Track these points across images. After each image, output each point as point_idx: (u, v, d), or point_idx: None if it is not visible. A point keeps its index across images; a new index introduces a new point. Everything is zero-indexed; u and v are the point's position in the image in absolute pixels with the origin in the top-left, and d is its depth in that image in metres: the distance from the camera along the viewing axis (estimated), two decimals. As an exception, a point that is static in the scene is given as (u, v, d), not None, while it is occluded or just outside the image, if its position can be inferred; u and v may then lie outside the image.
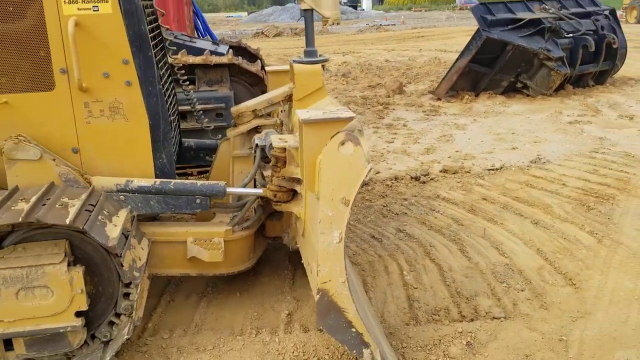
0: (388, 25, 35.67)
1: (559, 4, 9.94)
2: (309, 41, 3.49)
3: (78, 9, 2.74)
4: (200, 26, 12.26)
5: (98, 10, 2.77)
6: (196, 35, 11.84)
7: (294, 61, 3.48)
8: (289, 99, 3.56)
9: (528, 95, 9.11)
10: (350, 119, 2.49)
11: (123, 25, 2.81)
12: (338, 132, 2.39)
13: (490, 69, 9.10)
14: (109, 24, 2.79)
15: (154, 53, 3.05)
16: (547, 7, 9.63)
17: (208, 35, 11.71)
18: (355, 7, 63.92)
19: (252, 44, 7.53)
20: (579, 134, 6.89)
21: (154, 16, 3.44)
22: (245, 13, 68.48)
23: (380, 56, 16.46)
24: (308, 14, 3.49)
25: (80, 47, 2.73)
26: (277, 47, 21.58)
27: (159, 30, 3.53)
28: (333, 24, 3.53)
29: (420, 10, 62.03)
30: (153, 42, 3.13)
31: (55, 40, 2.74)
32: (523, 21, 8.95)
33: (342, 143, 2.36)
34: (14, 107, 2.78)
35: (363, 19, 47.24)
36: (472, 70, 9.08)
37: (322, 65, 3.51)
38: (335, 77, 12.24)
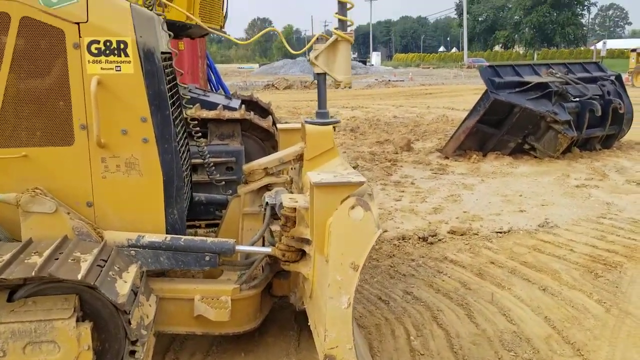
0: (397, 81, 36.40)
1: (566, 69, 10.16)
2: (322, 103, 3.57)
3: (101, 68, 2.84)
4: (214, 79, 12.56)
5: (120, 70, 2.87)
6: (209, 88, 12.12)
7: (306, 122, 3.55)
8: (299, 158, 3.62)
9: (535, 157, 9.18)
10: (361, 183, 2.54)
11: (143, 85, 2.91)
12: (348, 197, 2.43)
13: (498, 130, 9.22)
14: (130, 84, 2.89)
15: (171, 111, 3.14)
16: (554, 71, 9.84)
17: (221, 88, 11.98)
18: (364, 63, 65.38)
19: (263, 96, 7.71)
20: (587, 198, 6.91)
21: (172, 75, 3.55)
22: (257, 65, 70.19)
23: (388, 112, 16.72)
24: (321, 77, 3.58)
25: (100, 104, 2.81)
26: (287, 100, 21.98)
27: (176, 89, 3.64)
28: (345, 87, 3.62)
29: (429, 68, 63.34)
30: (171, 100, 3.22)
31: (77, 97, 2.83)
32: (530, 84, 9.13)
33: (352, 207, 2.40)
34: (32, 161, 2.84)
35: (372, 74, 48.22)
36: (480, 130, 9.21)
37: (334, 127, 3.59)
38: (343, 132, 12.41)
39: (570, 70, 10.12)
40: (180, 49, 10.48)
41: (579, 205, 6.64)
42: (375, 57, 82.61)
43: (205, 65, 12.52)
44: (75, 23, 2.78)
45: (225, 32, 4.84)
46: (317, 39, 3.62)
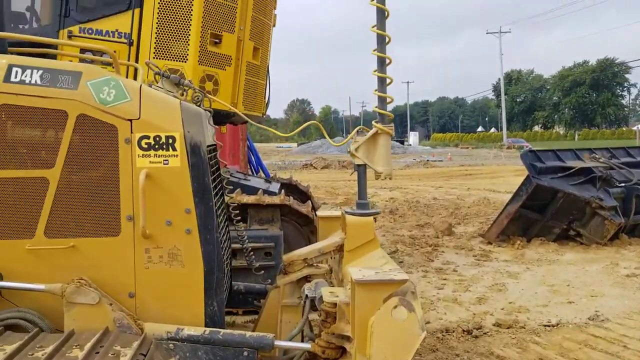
0: (435, 161, 36.49)
1: (609, 153, 10.01)
2: (362, 194, 3.57)
3: (150, 162, 2.94)
4: (254, 160, 12.86)
5: (168, 164, 2.96)
6: (249, 169, 12.40)
7: (346, 212, 3.55)
8: (340, 249, 3.60)
9: (582, 244, 8.90)
10: (404, 281, 2.48)
11: (189, 178, 2.98)
12: (391, 296, 2.37)
13: (542, 215, 9.03)
14: (176, 176, 2.96)
15: (215, 202, 3.19)
16: (597, 156, 9.71)
17: (261, 170, 12.23)
18: (402, 142, 66.11)
19: (301, 176, 7.83)
20: (638, 289, 6.59)
21: (216, 166, 3.64)
22: (295, 144, 71.76)
23: (428, 193, 16.65)
24: (361, 169, 3.61)
25: (147, 196, 2.88)
26: (325, 180, 22.21)
27: (220, 178, 3.72)
28: (385, 178, 3.63)
29: (467, 148, 63.48)
30: (214, 191, 3.28)
31: (125, 189, 2.91)
32: (573, 169, 9.00)
33: (395, 307, 2.34)
34: (79, 251, 2.90)
35: (410, 154, 48.59)
36: (523, 215, 9.03)
37: (374, 218, 3.57)
38: (382, 214, 12.37)
39: (614, 155, 9.97)
40: (223, 132, 10.84)
41: (630, 296, 6.33)
42: (413, 137, 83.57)
43: (246, 147, 12.89)
44: (128, 120, 2.91)
45: (268, 127, 4.98)
46: (357, 131, 3.69)
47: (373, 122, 3.58)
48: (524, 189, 8.87)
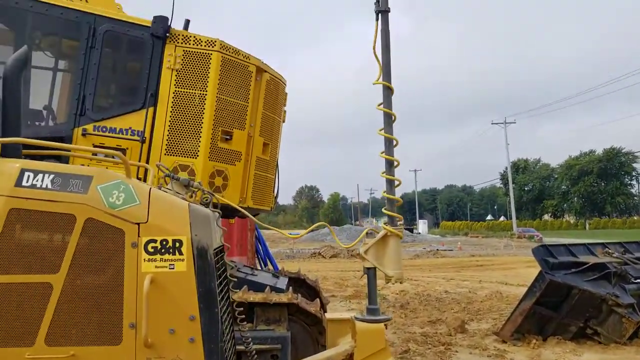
0: (445, 250, 36.10)
1: (622, 248, 9.84)
2: (372, 299, 3.48)
3: (156, 266, 2.89)
4: (262, 251, 12.76)
5: (174, 269, 2.91)
6: (257, 261, 12.26)
7: (356, 318, 3.44)
8: (349, 357, 3.46)
9: (600, 343, 8.55)
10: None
11: (195, 283, 2.92)
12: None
13: (557, 312, 8.75)
14: (181, 282, 2.90)
15: (220, 308, 3.10)
16: (610, 250, 9.55)
17: (269, 262, 12.10)
18: (411, 231, 65.86)
19: (309, 265, 7.69)
20: (664, 394, 6.23)
21: (223, 268, 3.58)
22: (304, 230, 71.49)
23: (439, 285, 16.32)
24: (371, 272, 3.54)
25: (151, 302, 2.81)
26: (334, 270, 21.91)
27: (226, 281, 3.64)
28: (395, 282, 3.55)
29: (477, 237, 63.01)
30: (220, 296, 3.20)
31: (129, 295, 2.84)
32: (587, 265, 8.82)
33: None
34: (78, 361, 2.79)
35: (419, 243, 48.22)
36: (538, 312, 8.76)
37: (385, 325, 3.46)
38: (393, 308, 12.05)
39: (627, 250, 9.80)
40: (231, 222, 10.85)
41: (657, 404, 5.98)
42: (422, 225, 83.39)
43: (254, 238, 12.83)
44: (136, 223, 2.90)
45: (276, 228, 4.96)
46: (367, 233, 3.66)
47: (382, 224, 3.56)
48: (537, 285, 8.65)
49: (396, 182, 3.67)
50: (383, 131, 3.67)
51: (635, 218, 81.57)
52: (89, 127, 5.50)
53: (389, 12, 4.09)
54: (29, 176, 2.88)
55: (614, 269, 8.82)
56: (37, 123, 5.77)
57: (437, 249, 36.36)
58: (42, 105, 5.78)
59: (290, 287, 6.12)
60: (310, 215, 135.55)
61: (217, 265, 3.20)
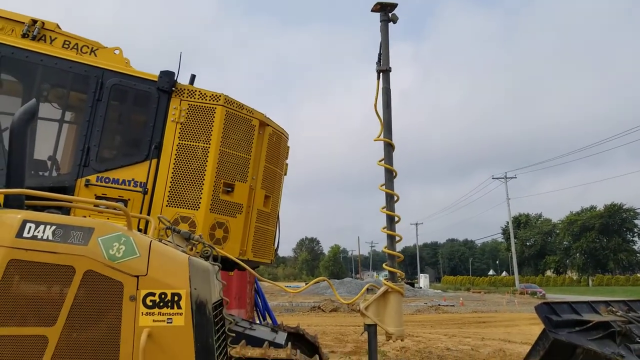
0: (447, 305, 35.56)
1: (627, 307, 9.68)
2: (372, 358, 3.42)
3: (153, 320, 2.86)
4: (260, 304, 12.57)
5: (171, 323, 2.88)
6: (255, 314, 12.08)
7: (357, 376, 3.38)
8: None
9: (607, 405, 8.30)
10: None
11: (192, 338, 2.88)
12: None
13: (561, 372, 8.54)
14: (179, 336, 2.87)
15: (217, 364, 3.05)
16: (614, 308, 9.39)
17: (267, 315, 11.92)
18: (412, 285, 65.05)
19: (309, 319, 7.55)
20: None
21: (222, 322, 3.54)
22: (303, 283, 70.72)
23: (440, 342, 16.00)
24: (372, 329, 3.49)
25: (147, 357, 2.77)
26: (334, 324, 21.53)
27: (224, 336, 3.59)
28: (396, 340, 3.49)
29: (480, 292, 62.20)
30: (217, 352, 3.15)
31: (126, 349, 2.81)
32: (591, 324, 8.66)
33: None
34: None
35: (421, 297, 47.56)
36: (541, 372, 8.54)
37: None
38: (393, 365, 11.78)
39: (631, 308, 9.61)
40: (230, 274, 10.77)
41: None
42: (423, 280, 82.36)
43: (253, 291, 12.67)
44: (135, 276, 2.89)
45: (275, 283, 4.93)
46: (367, 289, 3.63)
47: (383, 280, 3.53)
48: (540, 343, 8.45)
49: (397, 238, 3.67)
50: (384, 187, 3.70)
51: (639, 275, 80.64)
52: (92, 178, 5.54)
53: (390, 71, 4.21)
54: (30, 227, 2.89)
55: (618, 328, 8.66)
56: (40, 173, 5.81)
57: (439, 305, 35.83)
58: (47, 156, 5.84)
59: (289, 343, 6.00)
60: (310, 267, 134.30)
61: (215, 320, 3.17)
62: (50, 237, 2.88)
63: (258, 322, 10.11)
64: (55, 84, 6.08)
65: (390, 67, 4.18)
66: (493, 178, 74.94)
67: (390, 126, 3.87)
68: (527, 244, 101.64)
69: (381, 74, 4.09)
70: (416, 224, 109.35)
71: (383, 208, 3.69)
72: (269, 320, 11.44)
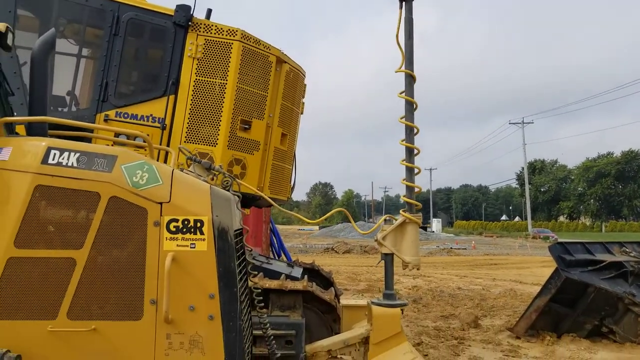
0: (459, 249, 35.93)
1: (640, 247, 9.74)
2: (389, 284, 3.51)
3: (177, 245, 2.94)
4: (276, 243, 12.80)
5: (195, 248, 2.96)
6: (271, 252, 12.33)
7: (373, 303, 3.47)
8: (365, 341, 3.49)
9: (615, 342, 8.48)
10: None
11: (215, 262, 2.96)
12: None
13: (572, 310, 8.69)
14: (202, 260, 2.95)
15: (239, 288, 3.15)
16: (627, 249, 9.45)
17: (282, 254, 12.15)
18: (425, 229, 65.54)
19: (322, 260, 7.72)
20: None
21: (242, 250, 3.62)
22: (317, 227, 71.61)
23: (452, 282, 16.28)
24: (388, 258, 3.56)
25: (172, 280, 2.86)
26: (347, 264, 21.93)
27: (244, 263, 3.69)
28: (412, 269, 3.57)
29: (492, 236, 62.59)
30: (239, 277, 3.24)
31: (151, 272, 2.90)
32: (604, 263, 8.74)
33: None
34: (100, 335, 2.85)
35: (433, 241, 48.05)
36: (553, 309, 8.70)
37: (402, 309, 3.48)
38: (405, 303, 12.03)
39: (645, 249, 9.68)
40: (246, 213, 10.92)
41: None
42: (436, 224, 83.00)
43: (269, 230, 12.88)
44: (158, 203, 2.95)
45: (292, 212, 5.00)
46: (385, 219, 3.68)
47: (401, 211, 3.58)
48: (552, 282, 8.60)
49: (416, 170, 3.69)
50: (404, 119, 3.69)
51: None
52: (111, 114, 5.58)
53: (413, 0, 4.12)
54: (55, 154, 2.94)
55: (631, 268, 8.74)
56: (59, 109, 5.86)
57: (451, 247, 36.22)
58: (65, 91, 5.87)
59: (305, 276, 6.15)
60: (323, 212, 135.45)
61: (236, 247, 3.25)
62: (75, 164, 2.93)
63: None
64: (71, 19, 6.03)
65: (413, -5, 4.10)
66: (510, 123, 74.10)
67: (412, 58, 3.80)
68: (542, 189, 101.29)
69: (404, 3, 4.00)
70: (430, 169, 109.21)
71: (402, 140, 3.69)
72: (283, 258, 11.67)
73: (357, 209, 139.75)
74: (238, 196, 3.65)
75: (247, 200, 6.09)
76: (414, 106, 3.74)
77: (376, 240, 3.57)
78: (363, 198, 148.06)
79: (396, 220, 3.61)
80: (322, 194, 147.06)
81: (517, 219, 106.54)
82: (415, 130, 3.70)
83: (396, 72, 3.82)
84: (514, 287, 15.05)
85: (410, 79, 3.72)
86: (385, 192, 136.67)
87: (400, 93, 3.73)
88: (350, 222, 3.94)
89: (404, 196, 3.66)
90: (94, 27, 5.96)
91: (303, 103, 7.28)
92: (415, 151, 3.71)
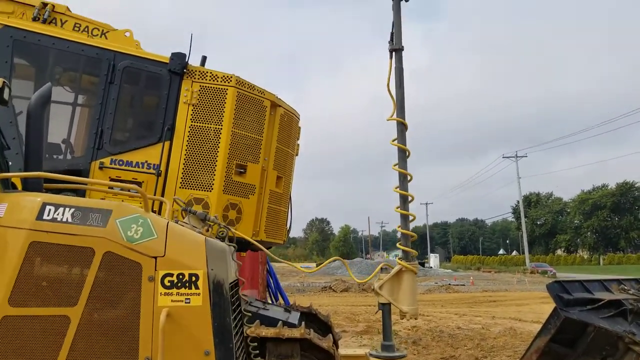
0: (457, 285, 35.66)
1: (639, 284, 9.67)
2: (387, 335, 3.47)
3: (172, 300, 2.92)
4: (272, 285, 12.67)
5: (189, 303, 2.93)
6: (268, 294, 12.18)
7: (371, 355, 3.43)
8: (364, 394, 3.42)
9: (618, 382, 8.35)
10: None
11: (210, 317, 2.94)
12: None
13: (572, 350, 8.53)
14: (197, 316, 2.92)
15: (235, 343, 3.10)
16: (625, 287, 9.37)
17: (280, 296, 12.02)
18: (423, 265, 65.15)
19: (320, 299, 7.63)
20: None
21: (238, 302, 3.59)
22: (314, 264, 71.00)
23: (451, 321, 16.09)
24: (386, 308, 3.53)
25: (167, 336, 2.82)
26: (345, 304, 21.68)
27: (240, 316, 3.65)
28: (410, 319, 3.53)
29: (490, 272, 62.27)
30: (234, 330, 3.20)
31: (145, 329, 2.86)
32: (602, 302, 8.66)
33: None
34: (94, 395, 2.79)
35: (431, 277, 47.71)
36: (553, 350, 8.53)
37: (400, 361, 3.43)
38: (405, 344, 11.88)
39: (644, 286, 9.62)
40: (242, 255, 10.83)
41: None
42: (433, 259, 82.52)
43: (265, 271, 12.76)
44: (153, 257, 2.94)
45: (289, 262, 4.98)
46: (381, 268, 3.66)
47: (397, 259, 3.56)
48: (552, 321, 8.46)
49: (410, 217, 3.69)
50: (397, 166, 3.71)
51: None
52: (106, 161, 5.59)
53: (402, 50, 4.19)
54: (50, 210, 2.94)
55: (630, 306, 8.65)
56: (55, 156, 5.87)
57: (449, 284, 35.92)
58: (61, 139, 5.89)
59: (303, 322, 6.07)
60: (320, 248, 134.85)
61: (232, 300, 3.22)
62: (70, 220, 2.93)
63: (270, 302, 10.21)
64: (67, 67, 6.11)
65: (402, 46, 4.16)
66: (504, 157, 74.46)
67: (403, 105, 3.86)
68: (538, 222, 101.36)
69: (394, 53, 4.08)
70: (426, 203, 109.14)
71: (396, 188, 3.71)
72: (281, 300, 11.54)
73: (355, 244, 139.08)
74: (234, 247, 3.64)
75: (242, 245, 6.06)
76: (407, 153, 3.77)
77: (373, 290, 3.54)
78: (360, 233, 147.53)
79: (392, 268, 3.58)
80: (319, 230, 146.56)
81: (514, 252, 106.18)
82: (407, 153, 3.72)
83: (388, 120, 3.87)
84: (514, 325, 14.88)
85: (402, 127, 3.77)
86: (382, 227, 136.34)
87: (393, 140, 3.78)
88: (347, 270, 3.91)
89: (399, 244, 3.65)
90: (90, 75, 6.03)
91: (298, 145, 7.33)
92: (410, 198, 3.72)
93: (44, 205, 2.94)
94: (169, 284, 2.92)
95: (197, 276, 2.96)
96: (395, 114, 3.83)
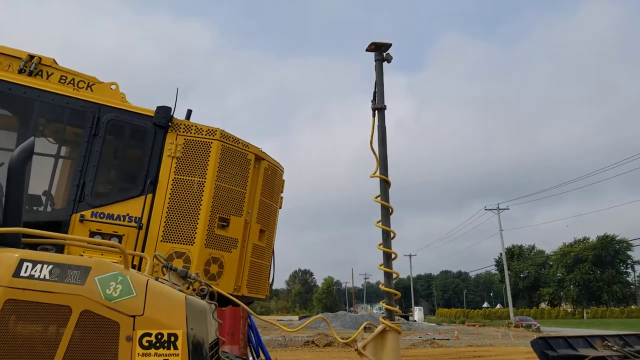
0: (442, 339, 35.17)
1: (622, 341, 9.64)
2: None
3: (148, 361, 2.83)
4: (254, 340, 12.40)
5: (167, 362, 2.85)
6: (249, 350, 11.90)
7: (354, 417, 3.33)
8: None
9: None
10: None
11: (188, 378, 2.85)
12: None
13: (559, 407, 8.43)
14: (175, 377, 2.84)
15: (214, 405, 3.01)
16: (610, 343, 9.35)
17: (261, 352, 11.74)
18: (407, 318, 64.38)
19: (302, 355, 7.43)
20: None
21: (218, 361, 3.50)
22: (297, 317, 69.78)
23: (435, 378, 15.78)
24: (370, 371, 3.46)
25: (144, 398, 2.73)
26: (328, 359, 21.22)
27: (220, 376, 3.55)
28: (394, 378, 3.47)
29: (475, 325, 61.65)
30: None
31: (122, 391, 2.76)
32: (587, 358, 8.61)
33: None
34: None
35: (415, 331, 47.05)
36: (539, 410, 8.43)
37: None
38: (388, 402, 11.58)
39: (627, 343, 9.57)
40: (223, 310, 10.63)
41: None
42: (417, 312, 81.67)
43: (246, 326, 12.50)
44: (131, 316, 2.87)
45: (271, 321, 4.90)
46: (365, 327, 3.61)
47: (380, 318, 3.52)
48: (537, 380, 8.39)
49: (394, 275, 3.68)
50: (381, 223, 3.72)
51: (633, 307, 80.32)
52: (87, 214, 5.52)
53: (385, 109, 4.27)
54: (27, 266, 2.88)
55: (614, 363, 8.61)
56: (35, 208, 5.79)
57: (434, 338, 35.43)
58: (42, 191, 5.83)
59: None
60: (303, 300, 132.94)
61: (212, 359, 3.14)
62: (47, 277, 2.87)
63: (252, 358, 9.97)
64: (51, 119, 6.10)
65: (385, 105, 4.25)
66: (486, 209, 75.05)
67: (386, 163, 3.91)
68: (521, 275, 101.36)
69: (376, 111, 4.16)
70: (410, 255, 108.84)
71: (380, 245, 3.71)
72: (262, 356, 11.27)
73: (338, 296, 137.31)
74: (215, 304, 3.57)
75: (224, 300, 5.96)
76: (390, 210, 3.79)
77: (356, 350, 3.48)
78: (343, 285, 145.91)
79: (376, 327, 3.54)
80: (302, 282, 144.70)
81: (498, 306, 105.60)
82: (390, 210, 3.73)
83: (371, 177, 3.92)
84: (499, 381, 14.65)
85: (385, 184, 3.81)
86: (365, 278, 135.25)
87: (376, 197, 3.80)
88: (329, 329, 3.86)
89: (383, 302, 3.62)
90: (74, 127, 6.03)
91: (281, 198, 7.33)
92: (393, 256, 3.72)
93: (21, 261, 2.87)
94: (147, 344, 2.85)
95: (176, 336, 2.89)
96: (378, 171, 3.87)
